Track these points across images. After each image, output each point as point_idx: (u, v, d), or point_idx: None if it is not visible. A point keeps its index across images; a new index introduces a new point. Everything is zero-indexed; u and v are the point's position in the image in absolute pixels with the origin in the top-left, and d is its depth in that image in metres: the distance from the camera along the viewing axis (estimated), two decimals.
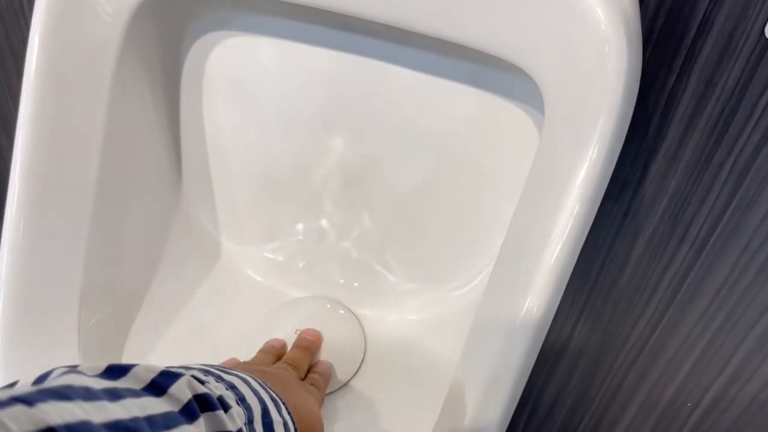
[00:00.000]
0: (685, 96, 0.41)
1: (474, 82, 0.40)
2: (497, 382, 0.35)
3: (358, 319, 0.49)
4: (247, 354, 0.44)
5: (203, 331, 0.47)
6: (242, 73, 0.44)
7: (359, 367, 0.46)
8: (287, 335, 0.46)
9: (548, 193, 0.33)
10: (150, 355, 0.44)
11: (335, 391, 0.45)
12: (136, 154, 0.44)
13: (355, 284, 0.49)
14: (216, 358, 0.46)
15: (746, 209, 0.45)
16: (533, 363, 0.37)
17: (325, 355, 0.45)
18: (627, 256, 0.50)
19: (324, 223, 0.48)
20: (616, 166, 0.43)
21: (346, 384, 0.46)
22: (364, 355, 0.47)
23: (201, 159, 0.47)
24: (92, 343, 0.40)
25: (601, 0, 0.30)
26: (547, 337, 0.57)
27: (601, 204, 0.47)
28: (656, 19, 0.39)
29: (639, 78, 0.33)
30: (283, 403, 0.31)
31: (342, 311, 0.49)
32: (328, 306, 0.49)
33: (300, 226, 0.49)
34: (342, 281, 0.50)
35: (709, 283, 0.50)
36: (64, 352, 0.37)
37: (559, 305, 0.53)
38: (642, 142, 0.44)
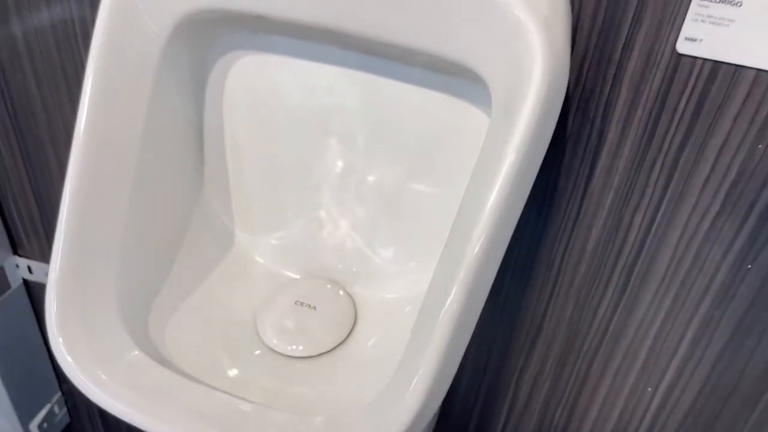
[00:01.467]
0: (618, 102, 0.50)
1: (445, 90, 0.49)
2: (418, 358, 0.40)
3: (350, 295, 0.56)
4: (252, 326, 0.52)
5: (216, 303, 0.55)
6: (256, 85, 0.53)
7: (348, 335, 0.54)
8: (287, 307, 0.54)
9: (480, 178, 0.41)
10: (170, 319, 0.52)
11: (325, 353, 0.53)
12: (166, 153, 0.53)
13: (348, 266, 0.57)
14: (225, 327, 0.54)
15: (678, 201, 0.52)
16: (460, 342, 0.43)
17: (318, 323, 0.53)
18: (583, 247, 0.58)
19: (322, 214, 0.57)
20: (570, 164, 0.51)
21: (335, 348, 0.53)
22: (354, 324, 0.55)
23: (220, 160, 0.56)
24: (127, 301, 0.48)
25: (531, 17, 0.39)
26: (521, 324, 0.64)
27: (556, 198, 0.55)
28: (590, 39, 0.48)
29: (564, 78, 0.42)
30: None
31: (334, 288, 0.57)
32: (324, 285, 0.57)
33: (301, 217, 0.57)
34: (338, 265, 0.58)
35: (654, 270, 0.57)
36: (105, 297, 0.46)
37: (530, 294, 0.61)
38: (587, 144, 0.52)
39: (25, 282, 0.91)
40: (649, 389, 0.65)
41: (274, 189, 0.57)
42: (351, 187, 0.55)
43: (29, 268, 0.88)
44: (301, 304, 0.55)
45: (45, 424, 1.02)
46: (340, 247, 0.57)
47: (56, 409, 1.05)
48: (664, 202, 0.53)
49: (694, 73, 0.47)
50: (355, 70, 0.50)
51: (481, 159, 0.43)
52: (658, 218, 0.54)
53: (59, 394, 1.05)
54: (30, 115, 0.72)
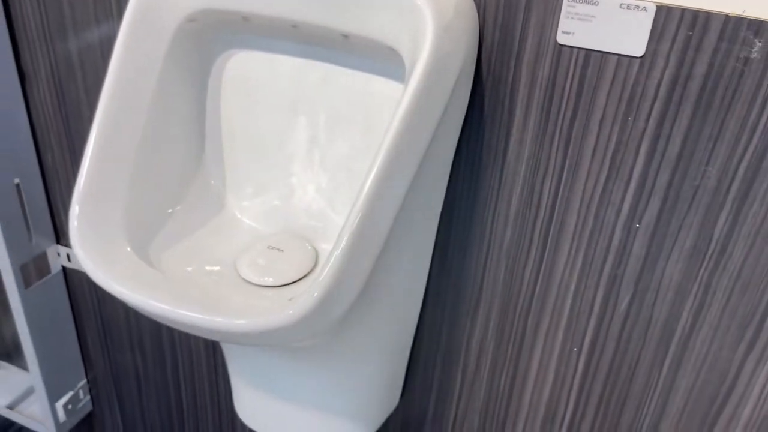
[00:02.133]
0: (520, 86, 0.63)
1: (381, 73, 0.63)
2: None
3: (314, 248, 0.70)
4: (233, 265, 0.66)
5: (204, 247, 0.69)
6: (242, 75, 0.69)
7: (308, 273, 0.67)
8: (261, 251, 0.68)
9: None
10: (163, 252, 0.66)
11: (288, 284, 0.66)
12: (171, 126, 0.69)
13: (313, 225, 0.71)
14: (209, 264, 0.68)
15: (576, 168, 0.65)
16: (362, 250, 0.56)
17: (284, 262, 0.67)
18: (507, 214, 0.70)
19: (293, 180, 0.71)
20: (489, 140, 0.65)
21: (297, 281, 0.66)
22: (315, 264, 0.68)
23: (216, 136, 0.72)
24: (132, 228, 0.63)
25: (429, 5, 0.53)
26: (464, 290, 0.76)
27: (482, 172, 0.68)
28: (494, 35, 0.62)
29: (459, 54, 0.56)
30: None
31: (301, 240, 0.70)
32: (293, 237, 0.70)
33: (277, 184, 0.72)
34: (306, 223, 0.71)
35: (565, 232, 0.69)
36: (114, 217, 0.60)
37: (470, 262, 0.73)
38: (500, 122, 0.66)
39: (64, 269, 1.06)
40: (575, 349, 0.75)
41: (257, 161, 0.72)
42: (315, 158, 0.69)
43: (68, 256, 1.04)
44: (272, 248, 0.68)
45: (69, 406, 1.15)
46: (307, 209, 0.71)
47: (81, 395, 1.18)
48: (565, 170, 0.66)
49: (573, 60, 0.60)
50: (313, 60, 0.66)
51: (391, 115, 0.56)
52: (562, 184, 0.66)
53: (84, 381, 1.18)
54: (78, 118, 0.90)
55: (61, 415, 1.13)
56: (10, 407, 1.18)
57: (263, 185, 0.73)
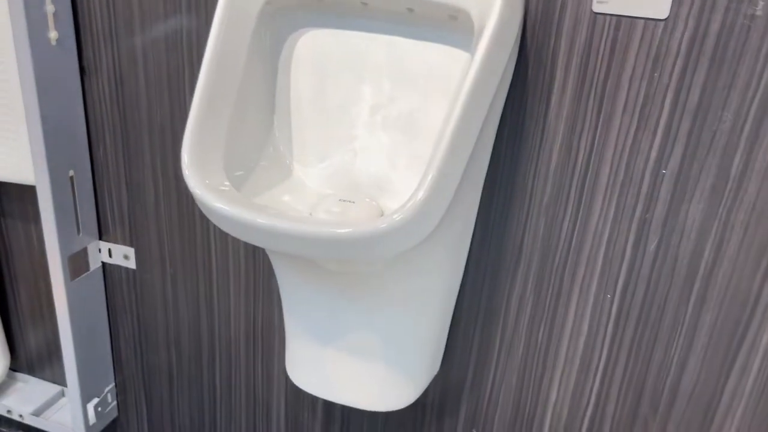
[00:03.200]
0: (560, 51, 0.74)
1: (441, 40, 0.73)
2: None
3: (377, 203, 0.77)
4: (308, 213, 0.73)
5: (279, 201, 0.76)
6: (312, 51, 0.78)
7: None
8: (333, 202, 0.75)
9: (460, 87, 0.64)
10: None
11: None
12: (253, 95, 0.77)
13: (377, 184, 0.79)
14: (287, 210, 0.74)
15: (608, 123, 0.75)
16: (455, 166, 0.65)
17: (357, 210, 0.74)
18: (547, 170, 0.80)
19: (357, 145, 0.79)
20: (531, 102, 0.74)
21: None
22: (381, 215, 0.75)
23: (285, 105, 0.80)
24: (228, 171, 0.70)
25: None
26: (505, 249, 0.84)
27: (525, 132, 0.78)
28: (538, 6, 0.73)
29: (516, 20, 0.66)
30: None
31: (367, 198, 0.78)
32: (359, 195, 0.78)
33: (341, 150, 0.80)
34: (370, 183, 0.79)
35: (599, 184, 0.78)
36: (216, 151, 0.67)
37: (511, 220, 0.81)
38: (542, 84, 0.76)
39: (103, 266, 1.10)
40: (608, 296, 0.83)
41: (323, 130, 0.80)
42: (377, 122, 0.78)
43: (109, 251, 1.08)
44: (344, 201, 0.76)
45: (99, 408, 1.16)
46: (368, 171, 0.79)
47: (109, 398, 1.19)
48: (599, 125, 0.76)
49: (606, 26, 0.71)
50: (378, 34, 0.75)
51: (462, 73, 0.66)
52: (596, 139, 0.76)
53: (113, 384, 1.20)
54: (135, 111, 0.97)
55: (92, 417, 1.14)
56: (36, 414, 1.18)
57: (325, 152, 0.81)
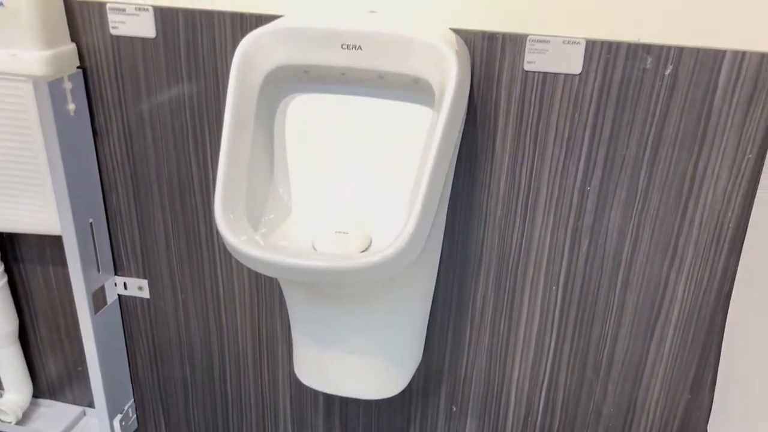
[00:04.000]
0: (501, 101, 0.94)
1: (411, 101, 0.92)
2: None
3: (369, 235, 0.96)
4: (311, 245, 0.91)
5: (286, 236, 0.94)
6: (302, 113, 0.95)
7: (367, 248, 0.93)
8: (332, 233, 0.93)
9: (430, 134, 0.83)
10: (263, 239, 0.90)
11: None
12: (259, 152, 0.94)
13: (364, 218, 0.97)
14: (293, 245, 0.92)
15: (542, 154, 0.95)
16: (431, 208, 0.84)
17: (352, 239, 0.92)
18: (497, 193, 0.99)
19: (345, 189, 0.97)
20: (481, 141, 0.94)
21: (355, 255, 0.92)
22: (370, 244, 0.94)
23: (282, 158, 0.97)
24: (249, 218, 0.87)
25: (451, 50, 0.83)
26: (469, 256, 1.02)
27: (477, 163, 0.97)
28: (481, 67, 0.92)
29: (466, 83, 0.85)
30: None
31: (357, 225, 0.96)
32: (351, 227, 0.96)
33: (333, 193, 0.98)
34: (357, 216, 0.97)
35: (539, 202, 0.98)
36: (239, 206, 0.84)
37: (472, 233, 1.00)
38: (488, 128, 0.95)
39: (120, 298, 1.26)
40: (554, 287, 1.04)
41: (313, 176, 0.98)
42: (359, 167, 0.96)
43: (125, 285, 1.24)
44: (339, 232, 0.94)
45: (123, 423, 1.32)
46: (355, 207, 0.97)
47: (130, 413, 1.35)
48: (536, 157, 0.96)
49: (535, 80, 0.91)
50: (355, 96, 0.93)
51: (430, 128, 0.85)
52: (534, 167, 0.96)
53: (132, 400, 1.35)
54: (144, 163, 1.12)
55: (117, 431, 1.30)
56: None
57: (321, 193, 0.98)
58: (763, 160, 0.88)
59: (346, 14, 0.94)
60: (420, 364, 1.14)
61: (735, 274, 0.96)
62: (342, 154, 0.97)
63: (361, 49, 0.86)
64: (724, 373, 1.02)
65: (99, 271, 1.19)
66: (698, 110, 0.88)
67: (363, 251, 0.93)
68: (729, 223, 0.93)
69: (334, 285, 0.92)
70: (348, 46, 0.87)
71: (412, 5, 0.92)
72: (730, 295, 0.97)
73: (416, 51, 0.84)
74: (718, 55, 0.84)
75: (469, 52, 0.91)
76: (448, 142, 0.83)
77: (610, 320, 1.03)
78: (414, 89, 0.90)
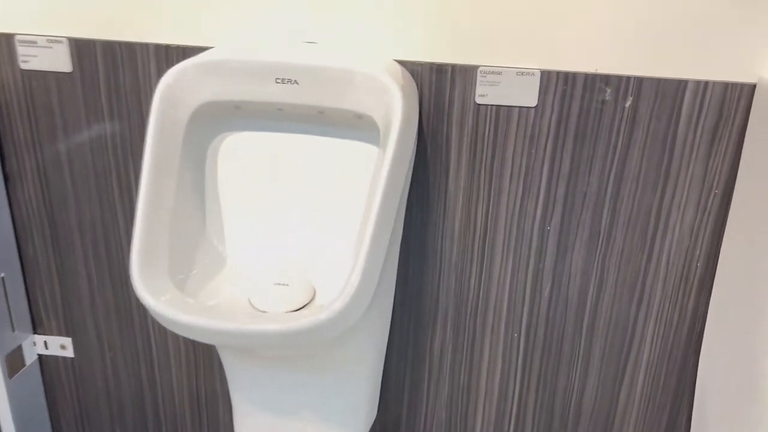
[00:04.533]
0: (452, 136, 0.86)
1: (353, 137, 0.84)
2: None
3: (308, 279, 0.87)
4: (247, 300, 0.82)
5: (219, 293, 0.84)
6: (236, 151, 0.86)
7: (309, 302, 0.84)
8: (269, 286, 0.84)
9: (375, 175, 0.75)
10: (192, 296, 0.80)
11: (294, 311, 0.82)
12: (187, 197, 0.84)
13: (307, 263, 0.88)
14: (227, 303, 0.83)
15: (499, 192, 0.88)
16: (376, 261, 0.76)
17: (290, 293, 0.83)
18: (452, 233, 0.92)
19: (282, 231, 0.88)
20: (433, 180, 0.86)
21: (301, 308, 0.83)
22: (313, 296, 0.85)
23: (215, 203, 0.88)
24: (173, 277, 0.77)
25: (395, 85, 0.75)
26: (425, 302, 0.95)
27: (430, 203, 0.90)
28: (430, 100, 0.85)
29: (414, 118, 0.78)
30: None
31: (299, 275, 0.87)
32: (291, 275, 0.87)
33: (271, 239, 0.89)
34: (299, 262, 0.88)
35: (497, 243, 0.91)
36: (161, 266, 0.74)
37: (427, 278, 0.93)
38: (440, 164, 0.88)
39: (40, 358, 1.13)
40: (515, 335, 0.96)
41: (250, 221, 0.89)
42: (300, 209, 0.88)
43: (45, 344, 1.11)
44: (278, 284, 0.84)
45: None
46: (298, 251, 0.89)
47: None
48: (492, 195, 0.89)
49: (488, 114, 0.85)
50: (294, 134, 0.85)
51: (375, 167, 0.77)
52: (491, 205, 0.89)
53: None
54: (63, 210, 1.01)
55: None
56: None
57: (258, 240, 0.89)
58: (731, 194, 0.83)
59: (282, 45, 0.86)
60: (375, 421, 1.05)
61: (706, 313, 0.90)
62: (281, 197, 0.88)
63: (297, 83, 0.78)
64: (699, 415, 0.95)
65: (14, 330, 1.06)
66: (661, 143, 0.82)
67: (306, 305, 0.84)
68: (697, 261, 0.87)
69: (275, 348, 0.83)
70: (283, 80, 0.78)
71: (354, 36, 0.84)
72: (702, 335, 0.92)
73: (358, 85, 0.77)
74: (680, 85, 0.79)
75: (417, 85, 0.84)
76: (396, 182, 0.76)
77: (576, 367, 0.96)
78: (357, 125, 0.82)
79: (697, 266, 0.88)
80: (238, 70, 0.80)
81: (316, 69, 0.77)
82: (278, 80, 0.79)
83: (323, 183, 0.87)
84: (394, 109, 0.74)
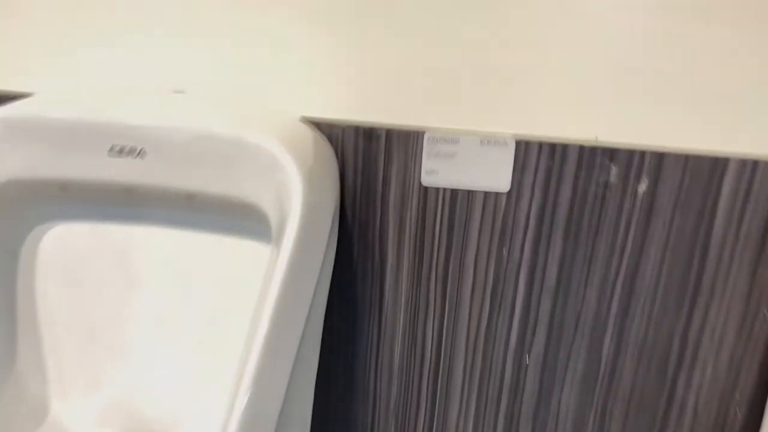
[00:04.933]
0: (389, 228, 0.59)
1: (233, 232, 0.56)
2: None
3: None
4: None
5: None
6: (64, 251, 0.57)
7: None
8: None
9: (262, 292, 0.47)
10: None
11: None
12: None
13: (168, 418, 0.59)
14: None
15: (457, 306, 0.61)
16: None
17: None
18: (390, 366, 0.64)
19: (135, 367, 0.59)
20: (361, 290, 0.59)
21: None
22: None
23: (32, 327, 0.58)
24: None
25: (290, 156, 0.48)
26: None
27: (358, 322, 0.62)
28: (355, 179, 0.58)
29: (330, 207, 0.51)
30: None
31: None
32: None
33: (118, 377, 0.59)
34: (157, 416, 0.59)
35: (455, 376, 0.64)
36: None
37: (354, 426, 0.65)
38: (372, 267, 0.61)
39: None
40: None
41: (87, 352, 0.59)
42: (161, 335, 0.59)
43: None
44: None
45: None
46: (156, 399, 0.59)
47: None
48: (446, 309, 0.61)
49: (440, 199, 0.58)
50: (151, 226, 0.57)
51: (265, 277, 0.49)
52: (445, 326, 0.62)
53: None
54: None
55: None
56: None
57: (98, 379, 0.60)
58: None
59: (134, 95, 0.58)
60: None
61: None
62: (135, 318, 0.59)
63: (144, 154, 0.50)
64: None
65: None
66: (689, 244, 0.57)
67: None
68: (737, 407, 0.61)
69: None
70: (122, 151, 0.51)
71: (245, 82, 0.57)
72: None
73: (237, 159, 0.49)
74: (718, 164, 0.54)
75: (336, 156, 0.57)
76: (297, 298, 0.48)
77: None
78: (243, 215, 0.54)
79: (736, 414, 0.62)
80: (54, 132, 0.52)
81: (170, 133, 0.50)
82: (115, 150, 0.51)
83: (198, 298, 0.58)
84: (290, 195, 0.47)
